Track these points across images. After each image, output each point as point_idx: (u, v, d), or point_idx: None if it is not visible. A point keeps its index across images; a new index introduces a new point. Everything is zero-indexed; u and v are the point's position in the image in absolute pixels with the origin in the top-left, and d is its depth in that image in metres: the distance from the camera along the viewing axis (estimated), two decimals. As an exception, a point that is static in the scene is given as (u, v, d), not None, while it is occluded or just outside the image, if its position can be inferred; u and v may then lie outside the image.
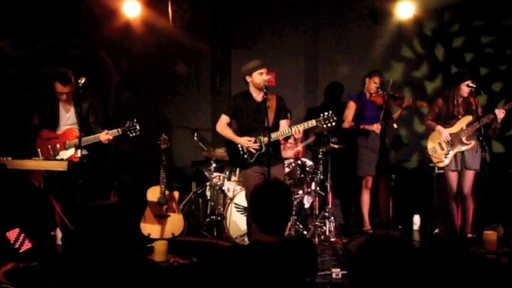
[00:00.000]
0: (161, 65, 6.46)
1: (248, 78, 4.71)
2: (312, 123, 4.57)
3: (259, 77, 4.62)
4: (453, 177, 5.39)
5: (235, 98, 4.92)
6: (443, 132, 5.37)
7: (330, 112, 4.54)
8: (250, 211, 2.48)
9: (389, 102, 5.90)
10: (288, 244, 2.43)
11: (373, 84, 5.92)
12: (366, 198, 6.04)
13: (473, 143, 5.28)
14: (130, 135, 5.04)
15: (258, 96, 4.73)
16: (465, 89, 5.26)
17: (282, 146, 5.05)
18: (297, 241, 2.59)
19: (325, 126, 4.58)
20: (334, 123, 4.56)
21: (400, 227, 5.96)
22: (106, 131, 5.01)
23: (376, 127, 5.76)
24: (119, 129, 5.00)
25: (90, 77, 4.84)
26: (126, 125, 5.02)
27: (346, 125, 6.01)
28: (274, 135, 4.59)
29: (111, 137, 5.00)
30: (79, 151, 4.63)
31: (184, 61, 6.65)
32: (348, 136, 6.01)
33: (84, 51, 6.19)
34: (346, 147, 5.72)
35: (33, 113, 5.22)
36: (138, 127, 5.03)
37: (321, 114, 4.56)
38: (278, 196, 2.43)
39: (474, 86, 5.21)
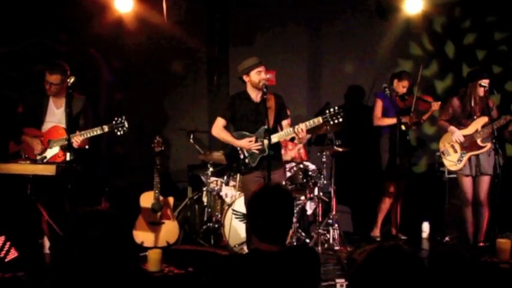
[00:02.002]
0: (155, 63, 6.47)
1: (245, 78, 4.66)
2: (318, 120, 4.53)
3: (257, 76, 4.59)
4: (468, 182, 5.39)
5: (231, 99, 4.83)
6: (456, 133, 5.37)
7: (336, 108, 4.48)
8: (248, 219, 2.49)
9: (419, 105, 5.84)
10: (290, 253, 2.44)
11: (401, 88, 5.89)
12: (387, 204, 6.00)
13: (488, 145, 5.28)
14: (118, 133, 4.90)
15: (256, 96, 4.70)
16: (480, 87, 5.27)
17: (283, 149, 5.04)
18: (298, 250, 2.59)
19: (332, 123, 4.53)
20: (341, 119, 4.49)
21: (404, 237, 5.92)
22: (77, 132, 4.85)
23: (409, 119, 5.62)
24: (104, 127, 4.85)
25: (79, 76, 4.85)
26: (114, 122, 4.89)
27: (377, 122, 5.92)
28: (276, 137, 4.59)
29: (81, 138, 4.80)
30: (68, 154, 4.62)
31: (180, 59, 6.65)
32: (354, 138, 6.01)
33: (73, 48, 6.19)
34: (350, 150, 5.72)
35: (19, 104, 5.17)
36: (126, 124, 4.90)
37: (327, 111, 4.50)
38: (279, 202, 2.43)
39: (486, 85, 5.23)
